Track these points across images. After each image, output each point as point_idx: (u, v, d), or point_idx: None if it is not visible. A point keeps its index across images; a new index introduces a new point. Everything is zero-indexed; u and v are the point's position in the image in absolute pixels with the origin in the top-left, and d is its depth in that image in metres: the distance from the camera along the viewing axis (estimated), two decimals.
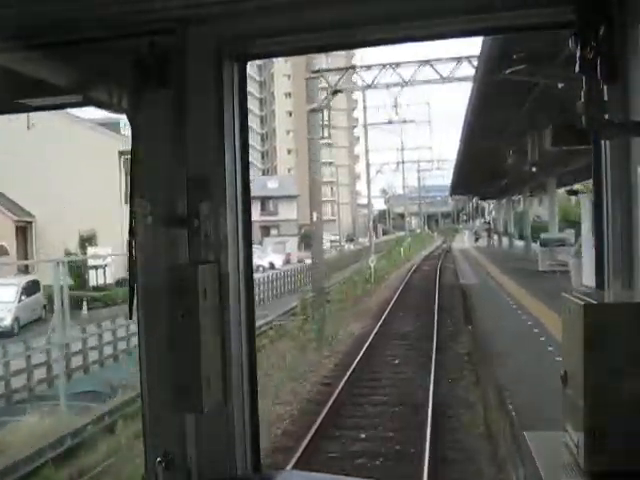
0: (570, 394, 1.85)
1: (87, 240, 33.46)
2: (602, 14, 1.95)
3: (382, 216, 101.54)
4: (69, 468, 12.08)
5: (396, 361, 18.96)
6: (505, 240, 55.91)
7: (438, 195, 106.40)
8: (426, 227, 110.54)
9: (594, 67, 1.94)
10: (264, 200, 73.22)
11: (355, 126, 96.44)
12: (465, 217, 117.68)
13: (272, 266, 48.73)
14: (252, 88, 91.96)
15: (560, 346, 2.01)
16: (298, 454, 11.01)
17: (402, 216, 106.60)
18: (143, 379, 2.35)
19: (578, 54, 1.95)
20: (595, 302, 1.81)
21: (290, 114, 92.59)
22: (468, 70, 26.20)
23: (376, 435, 12.40)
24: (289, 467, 9.63)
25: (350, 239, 77.35)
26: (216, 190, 2.27)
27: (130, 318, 2.34)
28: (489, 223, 63.71)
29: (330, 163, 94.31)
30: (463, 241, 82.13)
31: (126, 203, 2.35)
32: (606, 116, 1.99)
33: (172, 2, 2.19)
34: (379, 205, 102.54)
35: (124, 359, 20.27)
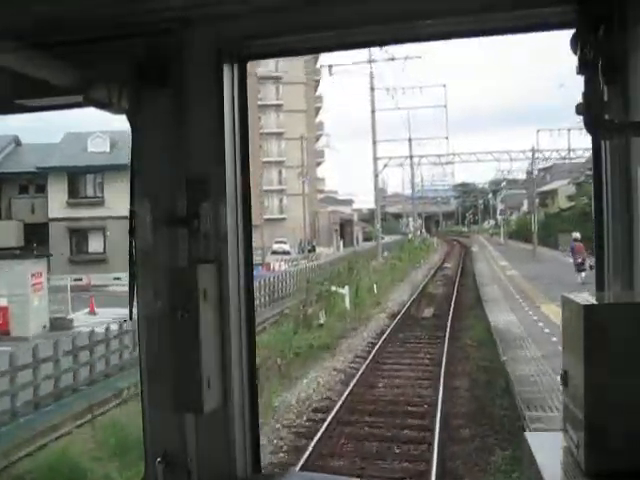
0: (570, 394, 1.85)
1: None
2: (602, 14, 1.94)
3: (373, 216, 73.89)
4: None
5: None
6: None
7: (439, 194, 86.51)
8: (423, 230, 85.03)
9: (594, 67, 1.94)
10: (75, 176, 38.78)
11: (318, 79, 63.37)
12: (472, 218, 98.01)
13: None
14: None
15: None
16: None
17: (396, 216, 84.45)
18: (143, 379, 2.35)
19: (578, 54, 1.95)
20: (595, 302, 1.81)
21: None
22: None
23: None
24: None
25: (304, 248, 50.88)
26: (216, 190, 2.26)
27: (130, 318, 2.34)
28: None
29: (279, 134, 61.28)
30: (494, 264, 38.13)
31: None
32: (606, 116, 1.99)
33: (172, 3, 2.19)
34: (368, 203, 74.53)
35: None
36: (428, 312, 23.95)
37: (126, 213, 2.34)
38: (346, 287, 25.59)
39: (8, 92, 2.43)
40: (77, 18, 2.18)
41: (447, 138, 53.96)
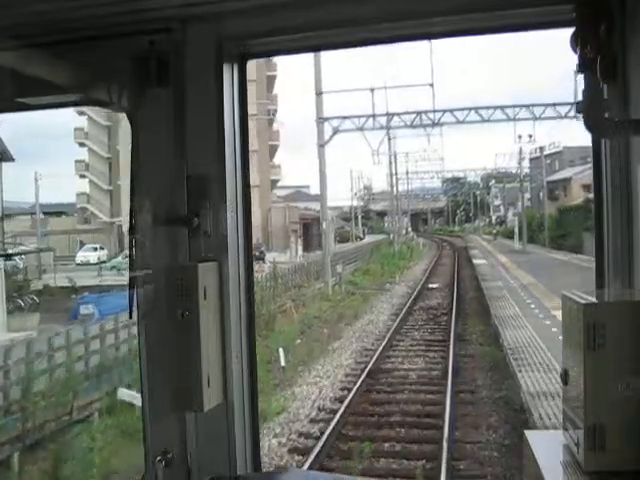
0: (570, 393, 1.85)
1: None
2: (602, 14, 1.95)
3: (353, 215, 63.39)
4: None
5: None
6: None
7: (426, 191, 76.36)
8: (409, 229, 71.93)
9: (594, 66, 1.94)
10: None
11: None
12: (464, 215, 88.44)
13: None
14: None
15: None
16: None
17: (382, 215, 74.60)
18: (144, 378, 2.35)
19: (578, 53, 1.95)
20: (595, 301, 1.81)
21: None
22: None
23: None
24: None
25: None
26: (216, 189, 2.27)
27: (130, 317, 2.34)
28: None
29: None
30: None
31: None
32: (606, 115, 1.99)
33: (172, 1, 2.19)
34: (349, 200, 65.06)
35: None
36: None
37: None
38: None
39: (9, 91, 2.44)
40: (77, 17, 2.18)
41: (432, 85, 32.36)
